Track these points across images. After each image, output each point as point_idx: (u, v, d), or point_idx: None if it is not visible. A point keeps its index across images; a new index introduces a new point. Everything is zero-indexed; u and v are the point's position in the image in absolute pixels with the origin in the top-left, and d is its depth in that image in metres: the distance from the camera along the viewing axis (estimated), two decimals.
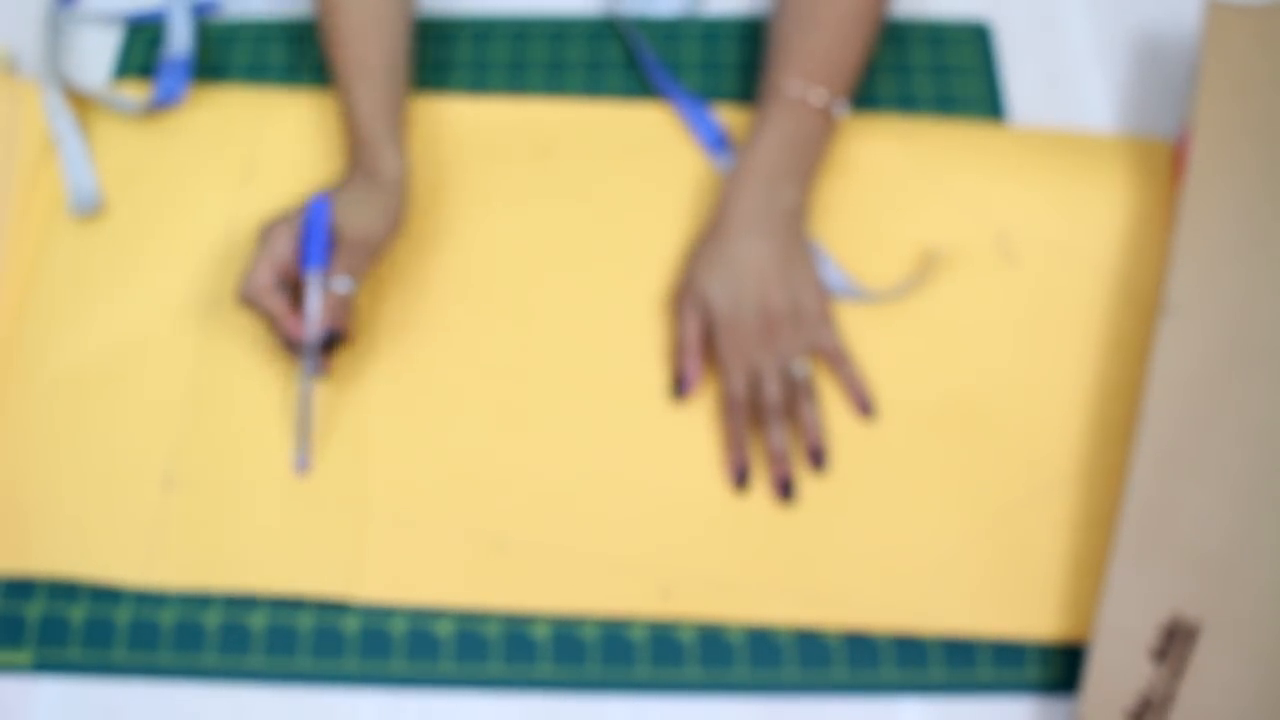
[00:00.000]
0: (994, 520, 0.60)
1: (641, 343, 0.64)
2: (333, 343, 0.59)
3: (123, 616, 0.59)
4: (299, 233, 0.59)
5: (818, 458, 0.61)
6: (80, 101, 0.71)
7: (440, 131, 0.71)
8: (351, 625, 0.59)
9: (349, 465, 0.61)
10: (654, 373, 0.64)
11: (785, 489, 0.60)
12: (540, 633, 0.58)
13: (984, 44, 0.74)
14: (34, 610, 0.59)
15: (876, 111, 0.72)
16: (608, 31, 0.75)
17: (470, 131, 0.71)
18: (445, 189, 0.69)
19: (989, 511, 0.60)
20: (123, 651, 0.58)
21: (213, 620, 0.59)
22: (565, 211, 0.68)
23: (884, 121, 0.71)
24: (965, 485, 0.61)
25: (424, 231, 0.67)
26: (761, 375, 0.61)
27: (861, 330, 0.64)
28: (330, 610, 0.59)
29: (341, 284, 0.58)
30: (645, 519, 0.60)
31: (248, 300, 0.58)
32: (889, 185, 0.68)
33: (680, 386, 0.62)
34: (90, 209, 0.68)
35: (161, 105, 0.71)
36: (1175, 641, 0.54)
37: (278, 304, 0.58)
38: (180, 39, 0.73)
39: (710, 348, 0.62)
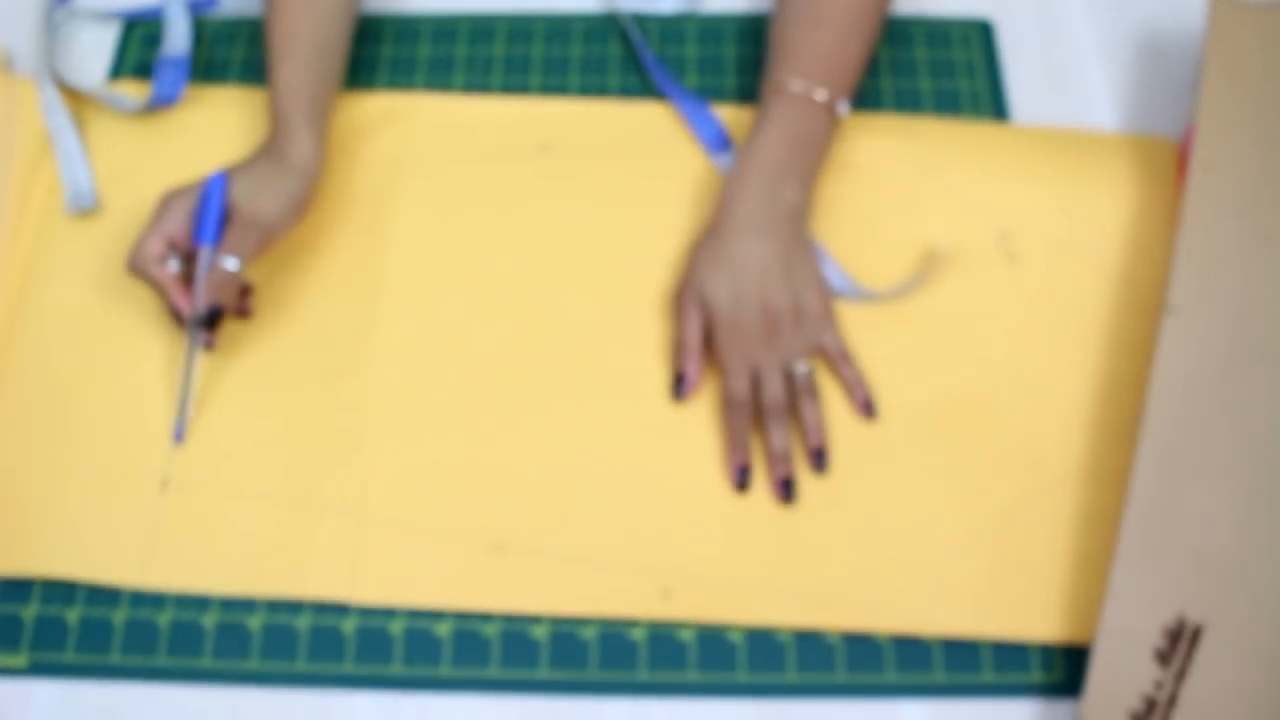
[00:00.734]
0: (997, 520, 0.60)
1: (642, 342, 0.64)
2: (216, 318, 0.59)
3: (119, 618, 0.58)
4: (194, 206, 0.59)
5: (819, 458, 0.60)
6: (77, 99, 0.71)
7: (440, 130, 0.70)
8: (349, 626, 0.58)
9: (348, 466, 0.61)
10: (654, 372, 0.63)
11: (786, 490, 0.60)
12: (540, 634, 0.58)
13: (986, 41, 0.74)
14: (30, 611, 0.59)
15: (878, 110, 0.71)
16: (608, 29, 0.75)
17: (470, 130, 0.70)
18: (445, 188, 0.68)
19: (992, 512, 0.60)
20: (119, 653, 0.58)
21: (210, 622, 0.58)
22: (565, 210, 0.68)
23: (886, 120, 0.70)
24: (968, 485, 0.60)
25: (423, 230, 0.67)
26: (763, 375, 0.61)
27: (863, 330, 0.64)
28: (328, 611, 0.59)
29: (229, 262, 0.58)
30: (645, 520, 0.60)
31: (134, 269, 0.59)
32: (891, 184, 0.68)
33: (680, 386, 0.62)
34: (86, 207, 0.67)
35: (158, 104, 0.70)
36: (1179, 643, 0.53)
37: (164, 274, 0.59)
38: (177, 37, 0.73)
39: (711, 347, 0.62)
